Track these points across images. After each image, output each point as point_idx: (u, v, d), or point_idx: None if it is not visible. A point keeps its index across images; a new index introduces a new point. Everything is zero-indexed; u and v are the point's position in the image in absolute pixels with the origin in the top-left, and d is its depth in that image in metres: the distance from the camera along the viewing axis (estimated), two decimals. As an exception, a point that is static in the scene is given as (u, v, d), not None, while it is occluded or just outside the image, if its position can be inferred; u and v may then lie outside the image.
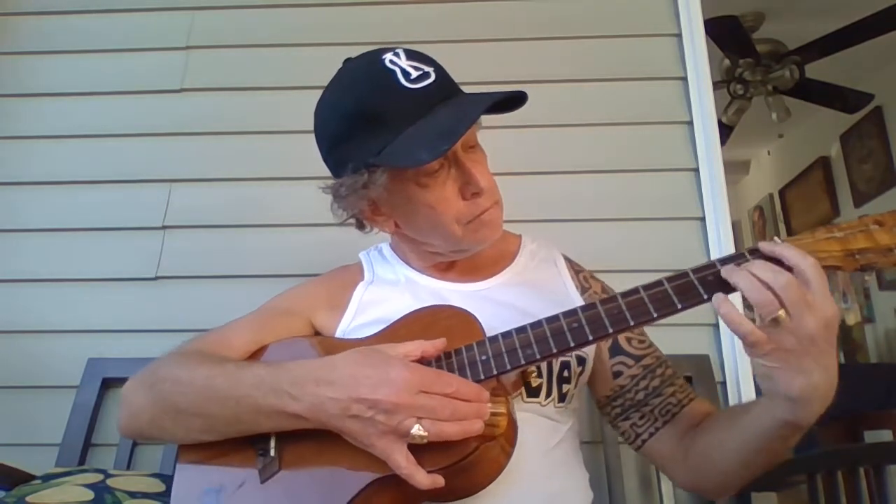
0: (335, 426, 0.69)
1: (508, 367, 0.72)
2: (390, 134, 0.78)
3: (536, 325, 0.74)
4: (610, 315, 0.70)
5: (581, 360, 0.86)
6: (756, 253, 0.67)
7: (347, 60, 0.87)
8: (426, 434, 0.65)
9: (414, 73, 0.78)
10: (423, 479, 0.66)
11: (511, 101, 0.79)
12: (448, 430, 0.65)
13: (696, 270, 0.69)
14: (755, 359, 0.64)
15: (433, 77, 0.79)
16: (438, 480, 0.66)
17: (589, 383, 0.93)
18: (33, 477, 1.03)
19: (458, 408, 0.66)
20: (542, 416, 0.83)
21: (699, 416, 0.86)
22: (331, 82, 0.86)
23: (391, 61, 0.79)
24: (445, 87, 0.81)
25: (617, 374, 0.91)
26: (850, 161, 3.99)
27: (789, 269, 0.63)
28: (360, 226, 0.94)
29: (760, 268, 0.63)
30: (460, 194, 0.83)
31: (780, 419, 0.67)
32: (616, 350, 0.92)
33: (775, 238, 0.67)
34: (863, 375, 2.98)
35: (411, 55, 0.81)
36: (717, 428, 0.81)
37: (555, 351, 0.72)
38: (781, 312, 0.60)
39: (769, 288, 0.61)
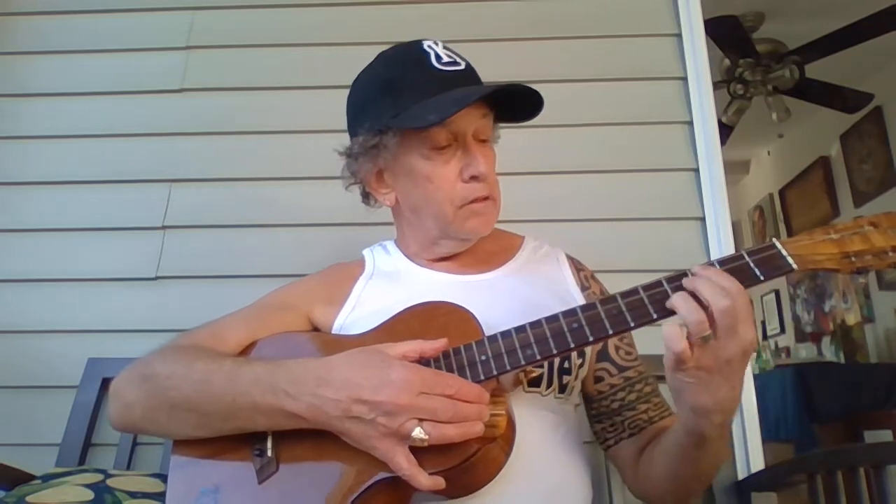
0: (335, 427, 0.68)
1: (508, 367, 0.72)
2: (410, 102, 0.84)
3: (536, 324, 0.73)
4: (609, 316, 0.70)
5: (581, 353, 0.87)
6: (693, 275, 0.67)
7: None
8: (427, 437, 0.65)
9: (446, 58, 0.86)
10: (425, 480, 0.66)
11: (527, 105, 0.86)
12: (449, 432, 0.65)
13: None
14: (672, 373, 0.65)
15: (463, 66, 0.87)
16: (439, 482, 0.66)
17: None
18: (33, 477, 1.03)
19: (459, 409, 0.66)
20: (544, 409, 0.83)
21: (661, 432, 0.87)
22: (369, 64, 0.93)
23: (429, 45, 0.87)
24: (472, 76, 0.88)
25: (598, 380, 0.91)
26: (850, 161, 3.99)
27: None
28: (366, 198, 0.98)
29: (705, 286, 0.64)
30: (460, 176, 0.86)
31: (682, 430, 0.72)
32: (603, 356, 0.92)
33: (773, 239, 0.67)
34: (863, 375, 2.98)
35: (447, 48, 0.89)
36: (657, 443, 0.84)
37: (555, 352, 0.71)
38: (710, 333, 0.63)
39: (705, 308, 0.63)
